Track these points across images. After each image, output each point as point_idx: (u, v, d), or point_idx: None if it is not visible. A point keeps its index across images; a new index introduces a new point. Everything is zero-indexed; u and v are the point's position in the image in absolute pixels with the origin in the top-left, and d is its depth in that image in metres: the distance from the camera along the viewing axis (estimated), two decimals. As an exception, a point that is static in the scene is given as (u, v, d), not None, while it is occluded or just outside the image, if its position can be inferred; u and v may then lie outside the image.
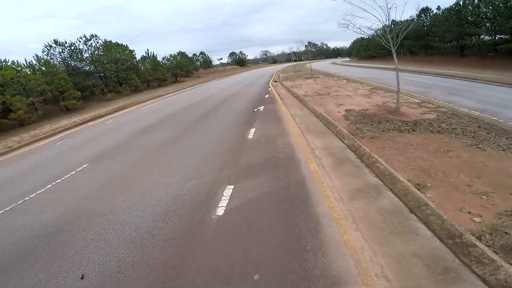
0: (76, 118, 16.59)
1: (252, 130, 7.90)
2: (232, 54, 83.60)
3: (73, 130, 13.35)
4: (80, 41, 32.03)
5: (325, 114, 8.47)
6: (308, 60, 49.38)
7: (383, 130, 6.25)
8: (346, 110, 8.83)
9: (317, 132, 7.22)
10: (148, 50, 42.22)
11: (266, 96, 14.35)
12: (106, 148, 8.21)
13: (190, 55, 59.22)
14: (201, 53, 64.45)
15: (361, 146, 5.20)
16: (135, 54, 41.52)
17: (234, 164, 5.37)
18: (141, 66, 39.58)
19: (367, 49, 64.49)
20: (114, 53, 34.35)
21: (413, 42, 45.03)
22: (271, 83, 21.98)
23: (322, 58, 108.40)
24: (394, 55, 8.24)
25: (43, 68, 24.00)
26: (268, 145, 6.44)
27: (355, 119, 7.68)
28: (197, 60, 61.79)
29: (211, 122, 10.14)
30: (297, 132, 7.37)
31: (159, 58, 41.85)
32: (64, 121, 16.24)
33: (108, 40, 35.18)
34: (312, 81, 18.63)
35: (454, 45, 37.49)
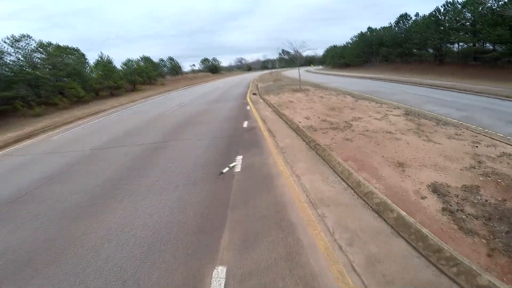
0: None
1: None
2: (204, 61, 77.01)
3: None
4: (5, 42, 23.92)
5: (418, 226, 3.13)
6: (282, 67, 45.68)
7: None
8: (433, 189, 3.71)
9: None
10: (102, 53, 34.41)
11: (245, 124, 8.81)
12: None
13: (156, 60, 51.90)
14: (169, 58, 57.20)
15: None
16: (87, 59, 33.77)
17: None
18: (92, 72, 31.88)
19: (341, 57, 62.56)
20: (55, 57, 26.56)
21: (390, 49, 43.05)
22: (249, 97, 16.56)
23: (294, 66, 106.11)
24: None
25: None
26: None
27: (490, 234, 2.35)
28: (164, 66, 54.42)
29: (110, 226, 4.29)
30: None
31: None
32: None
33: (48, 42, 27.35)
34: (303, 96, 13.56)
35: (433, 53, 35.74)
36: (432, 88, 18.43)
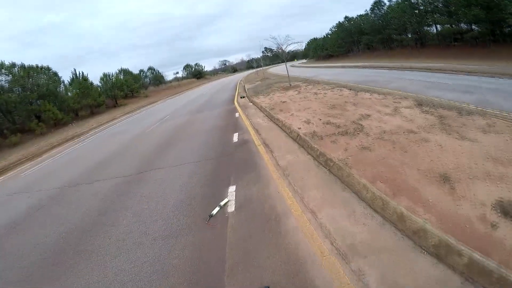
0: None
1: None
2: (187, 67, 75.00)
3: None
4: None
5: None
6: (267, 65, 44.43)
7: None
8: (502, 211, 2.49)
9: None
10: (75, 70, 32.29)
11: (235, 137, 7.41)
12: None
13: (137, 71, 49.78)
14: (150, 68, 55.08)
15: None
16: (61, 78, 31.63)
17: None
18: (67, 91, 29.83)
19: (324, 49, 61.87)
20: (23, 78, 24.47)
21: (371, 37, 42.50)
22: (237, 101, 15.25)
23: (279, 62, 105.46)
24: None
25: None
26: None
27: None
28: (145, 76, 52.34)
29: None
30: None
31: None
32: None
33: (12, 63, 25.22)
34: (295, 93, 12.36)
35: (413, 37, 35.29)
36: (423, 71, 17.60)
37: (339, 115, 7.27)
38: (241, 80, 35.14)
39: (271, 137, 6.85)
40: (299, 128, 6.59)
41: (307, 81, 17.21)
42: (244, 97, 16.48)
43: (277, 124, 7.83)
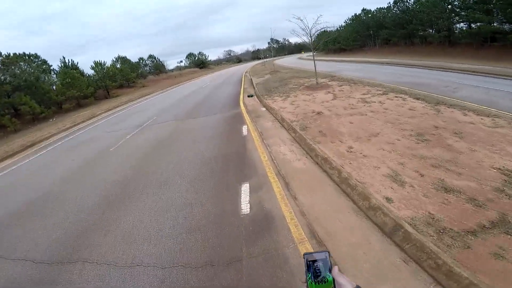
0: None
1: None
2: (190, 56, 69.90)
3: None
4: None
5: None
6: (273, 56, 39.84)
7: None
8: None
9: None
10: (64, 58, 28.19)
11: (243, 201, 3.57)
12: None
13: (136, 60, 45.45)
14: (150, 56, 50.47)
15: None
16: (51, 66, 27.68)
17: None
18: (51, 82, 25.87)
19: (336, 42, 56.54)
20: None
21: (392, 31, 37.61)
22: (243, 102, 11.24)
23: (285, 54, 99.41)
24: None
25: None
26: None
27: None
28: (145, 65, 47.90)
29: None
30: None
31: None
32: None
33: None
34: (329, 97, 8.38)
35: (442, 34, 30.42)
36: (475, 75, 13.29)
37: (449, 163, 3.49)
38: (246, 72, 30.81)
39: (330, 221, 2.99)
40: (401, 208, 2.74)
41: (335, 78, 13.07)
42: (252, 95, 12.50)
43: (325, 171, 3.94)
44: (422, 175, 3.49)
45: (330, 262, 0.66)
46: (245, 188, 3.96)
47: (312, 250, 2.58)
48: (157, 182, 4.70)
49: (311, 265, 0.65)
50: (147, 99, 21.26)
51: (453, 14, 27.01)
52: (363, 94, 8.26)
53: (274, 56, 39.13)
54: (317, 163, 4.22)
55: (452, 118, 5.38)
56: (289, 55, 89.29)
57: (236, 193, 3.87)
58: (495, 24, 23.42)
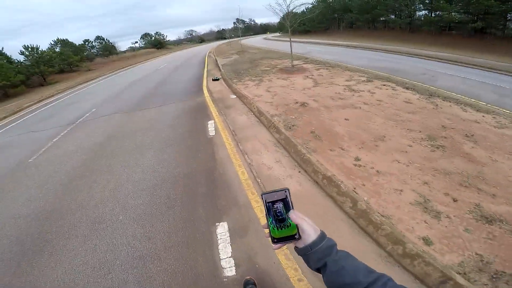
0: None
1: None
2: (146, 36, 61.81)
3: None
4: None
5: None
6: (240, 36, 37.07)
7: None
8: None
9: None
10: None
11: (226, 266, 2.11)
12: None
13: (81, 42, 38.45)
14: (98, 37, 43.09)
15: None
16: None
17: None
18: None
19: (301, 24, 55.45)
20: None
21: (357, 15, 37.76)
22: (207, 87, 9.37)
23: (251, 35, 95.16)
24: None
25: None
26: None
27: None
28: (92, 47, 40.96)
29: None
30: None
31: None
32: None
33: None
34: (310, 83, 7.11)
35: (405, 21, 31.33)
36: (442, 62, 13.45)
37: (477, 180, 2.67)
38: (210, 52, 27.92)
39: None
40: (439, 252, 1.62)
41: (308, 61, 11.82)
42: (218, 79, 10.64)
43: (331, 196, 2.71)
44: (455, 200, 2.50)
45: (291, 201, 0.58)
46: (221, 230, 2.51)
47: None
48: (88, 219, 2.96)
49: (270, 208, 0.57)
50: (89, 85, 17.53)
51: (418, 1, 27.80)
52: (347, 80, 7.13)
53: (241, 37, 36.35)
54: (317, 183, 2.95)
55: (454, 115, 4.58)
56: (255, 36, 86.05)
57: (209, 240, 2.41)
58: (455, 14, 24.69)
